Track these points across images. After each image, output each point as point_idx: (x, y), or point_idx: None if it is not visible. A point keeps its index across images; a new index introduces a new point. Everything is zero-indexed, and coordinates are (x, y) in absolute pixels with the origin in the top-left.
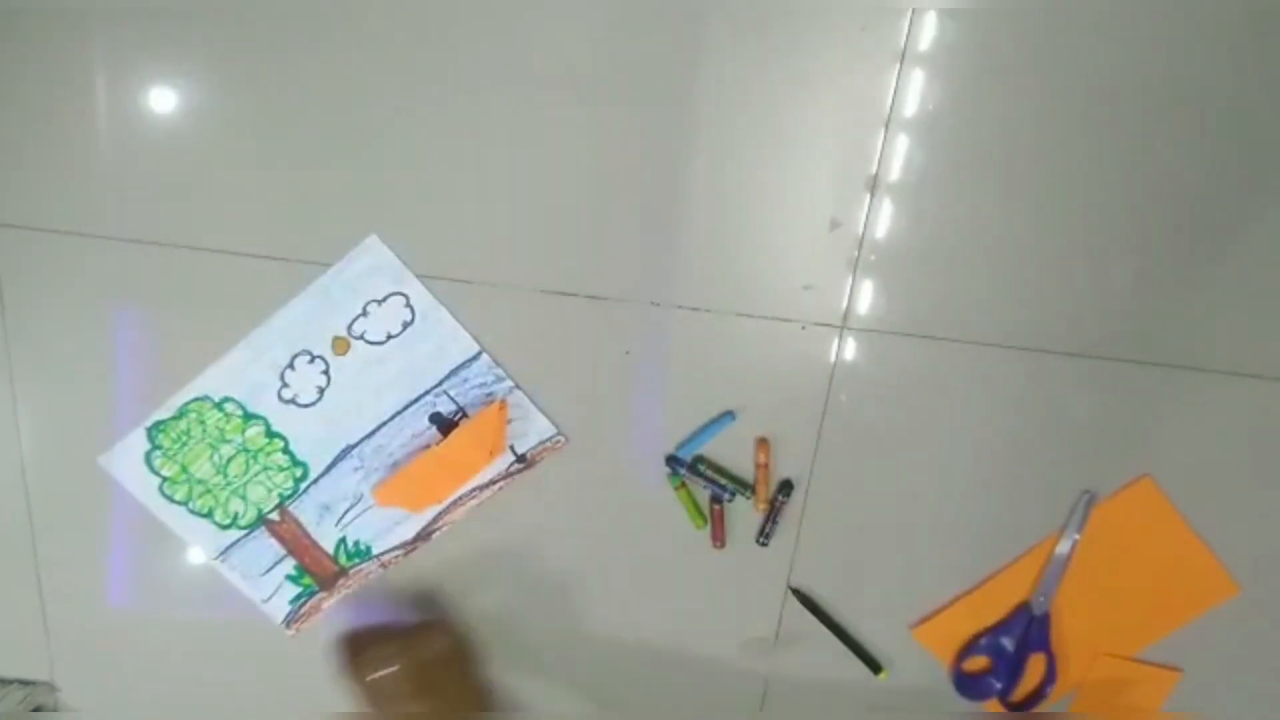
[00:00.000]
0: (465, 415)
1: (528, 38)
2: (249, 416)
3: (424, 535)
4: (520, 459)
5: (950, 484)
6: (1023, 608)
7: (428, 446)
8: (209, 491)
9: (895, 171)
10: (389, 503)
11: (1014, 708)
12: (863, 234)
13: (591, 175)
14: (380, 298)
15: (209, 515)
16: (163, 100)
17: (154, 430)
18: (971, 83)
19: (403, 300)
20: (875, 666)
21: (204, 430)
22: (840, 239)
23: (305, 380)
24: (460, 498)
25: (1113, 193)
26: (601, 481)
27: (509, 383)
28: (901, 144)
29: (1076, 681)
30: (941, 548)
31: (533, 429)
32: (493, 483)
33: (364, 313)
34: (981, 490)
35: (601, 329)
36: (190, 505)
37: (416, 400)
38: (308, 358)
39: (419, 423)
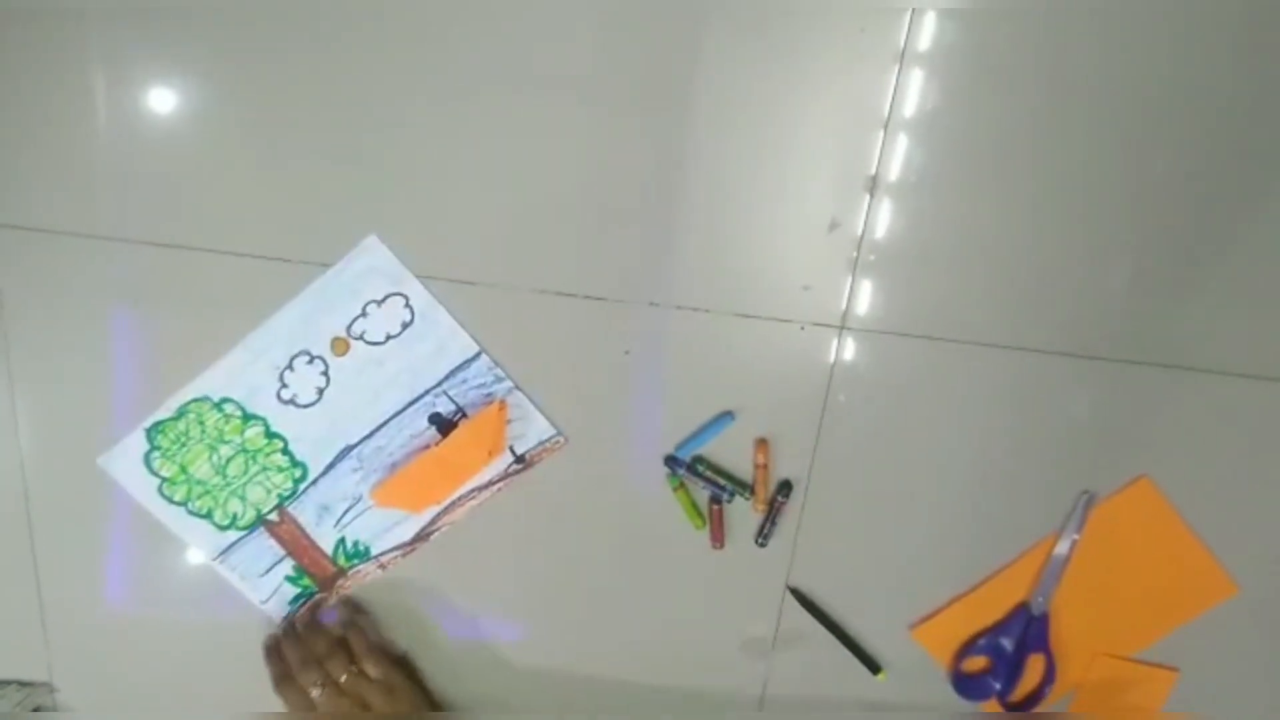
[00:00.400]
0: (464, 416)
1: (527, 38)
2: (248, 417)
3: (423, 536)
4: (519, 460)
5: (949, 484)
6: (1022, 608)
7: (427, 447)
8: (208, 492)
9: (894, 172)
10: (388, 503)
11: (1013, 708)
12: (862, 234)
13: (591, 175)
14: (379, 298)
15: (208, 516)
16: (162, 100)
17: (153, 431)
18: (971, 83)
19: (402, 301)
20: (874, 667)
21: (203, 431)
22: (839, 239)
23: (304, 381)
24: (459, 498)
25: (1112, 193)
26: (600, 482)
27: (508, 383)
28: (901, 144)
29: (1075, 681)
30: (940, 548)
31: (532, 429)
32: (491, 483)
33: (363, 313)
34: (980, 490)
35: (601, 329)
36: (189, 506)
37: (416, 401)
38: (307, 358)
39: (418, 423)
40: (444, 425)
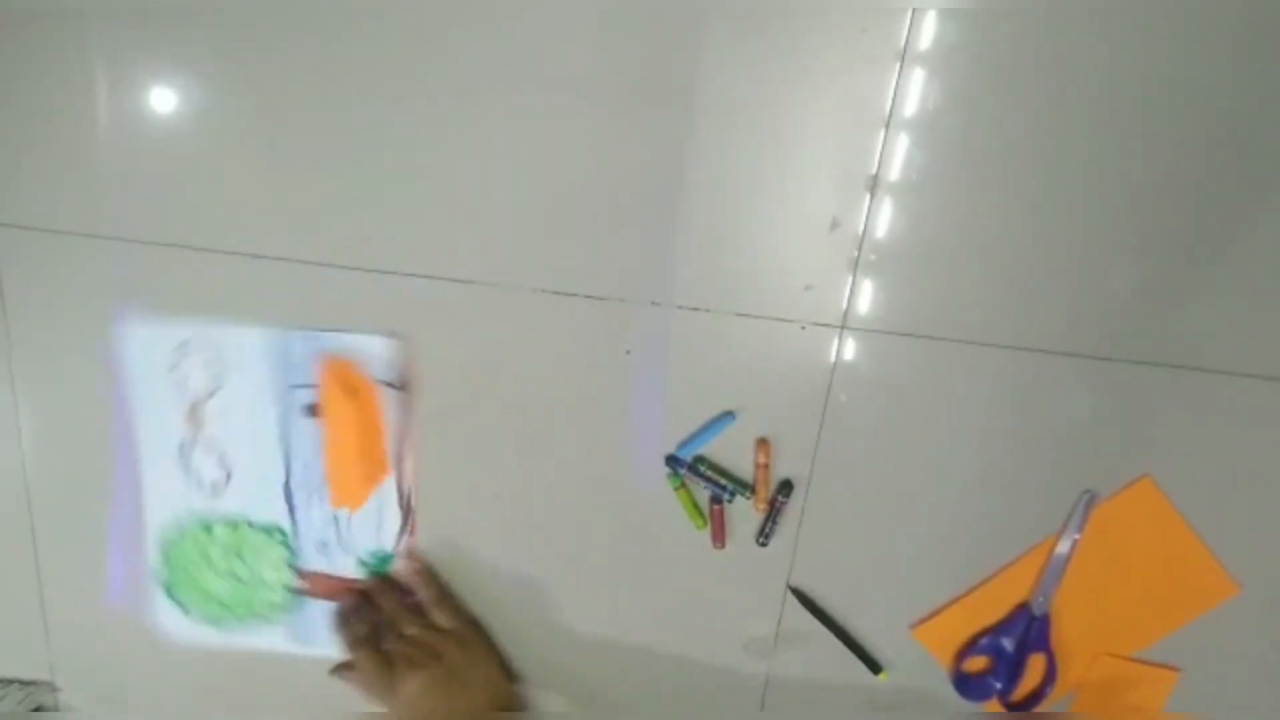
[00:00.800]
0: None
1: (527, 38)
2: (204, 524)
3: (406, 510)
4: (392, 385)
5: (950, 484)
6: (1023, 608)
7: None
8: (238, 599)
9: (895, 171)
10: (355, 503)
11: (1014, 708)
12: (863, 234)
13: (591, 175)
14: (178, 356)
15: (256, 616)
16: (163, 100)
17: (167, 588)
18: (972, 82)
19: (195, 343)
20: (875, 667)
21: (189, 556)
22: (840, 239)
23: (206, 465)
24: (396, 453)
25: (1113, 193)
26: (601, 481)
27: (328, 335)
28: (902, 144)
29: (1076, 681)
30: (941, 548)
31: (373, 354)
32: (407, 422)
33: (177, 374)
34: (981, 490)
35: (601, 329)
36: (234, 616)
37: (281, 409)
38: (188, 446)
39: (304, 423)
40: (319, 410)
